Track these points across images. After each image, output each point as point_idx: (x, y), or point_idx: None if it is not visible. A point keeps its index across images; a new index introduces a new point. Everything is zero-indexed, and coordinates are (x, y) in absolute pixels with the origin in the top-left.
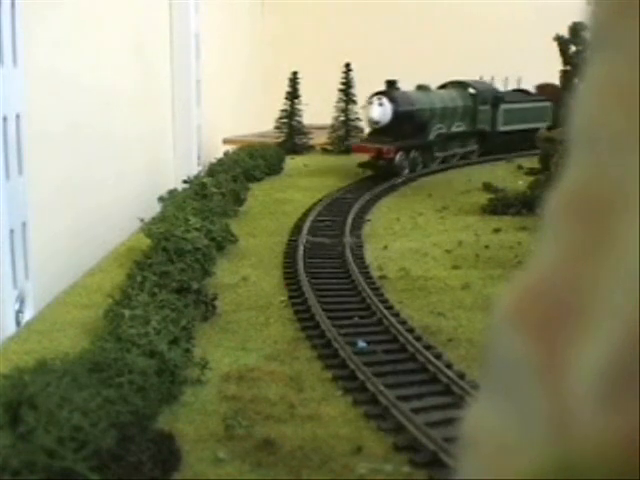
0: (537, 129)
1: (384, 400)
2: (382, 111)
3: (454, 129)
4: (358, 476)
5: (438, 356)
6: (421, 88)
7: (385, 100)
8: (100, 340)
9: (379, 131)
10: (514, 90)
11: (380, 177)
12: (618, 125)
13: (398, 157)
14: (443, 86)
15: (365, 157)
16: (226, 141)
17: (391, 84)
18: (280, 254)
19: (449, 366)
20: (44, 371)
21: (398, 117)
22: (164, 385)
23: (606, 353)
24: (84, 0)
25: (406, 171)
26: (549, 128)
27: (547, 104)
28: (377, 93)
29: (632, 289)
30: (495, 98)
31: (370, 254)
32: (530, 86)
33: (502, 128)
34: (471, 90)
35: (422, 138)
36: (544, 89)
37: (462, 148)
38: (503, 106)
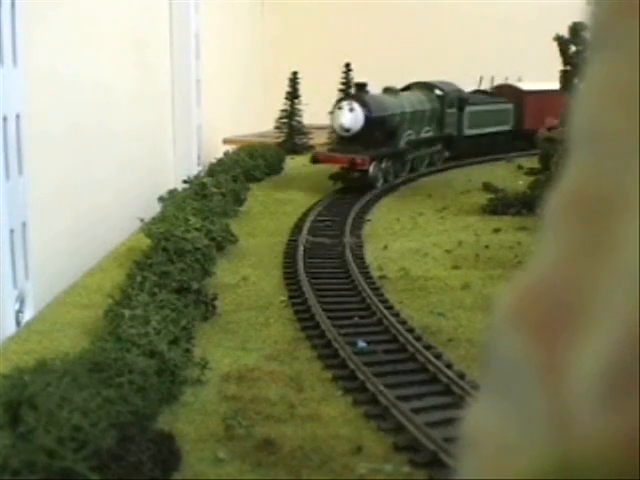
0: (501, 132)
1: (384, 400)
2: (353, 117)
3: (423, 135)
4: (358, 476)
5: (438, 356)
6: (388, 90)
7: (356, 105)
8: (100, 340)
9: (349, 139)
10: (475, 91)
11: (352, 190)
12: (618, 125)
13: (372, 167)
14: (407, 87)
15: (331, 167)
16: (226, 141)
17: (361, 87)
18: (280, 254)
19: (449, 366)
20: (44, 371)
21: (370, 124)
22: (164, 385)
23: (606, 353)
24: (84, 0)
25: (380, 182)
26: (508, 132)
27: (509, 106)
28: (346, 97)
29: (632, 289)
30: (460, 100)
31: (370, 254)
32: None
33: (468, 132)
34: (437, 92)
35: (393, 145)
36: (502, 90)
37: (429, 155)
38: (468, 108)
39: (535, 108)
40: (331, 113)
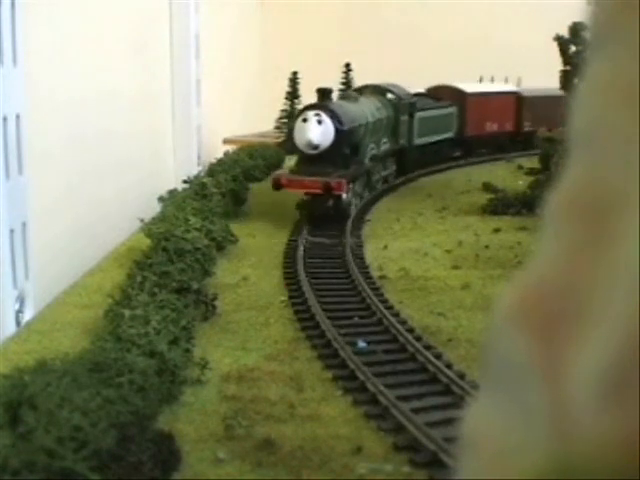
0: (445, 140)
1: (384, 400)
2: (323, 131)
3: (382, 148)
4: (358, 476)
5: (438, 356)
6: (347, 97)
7: (325, 116)
8: (100, 340)
9: (315, 157)
10: (416, 94)
11: (324, 220)
12: (621, 123)
13: (347, 191)
14: (357, 91)
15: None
16: (226, 141)
17: (325, 94)
18: (280, 254)
19: (449, 366)
20: (44, 371)
21: (340, 138)
22: (164, 385)
23: (607, 353)
24: (84, 0)
25: (353, 208)
26: (450, 140)
27: (453, 110)
28: (311, 107)
29: (632, 289)
30: (411, 106)
31: (370, 254)
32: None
33: (418, 141)
34: (390, 96)
35: (359, 163)
36: (441, 92)
37: (384, 171)
38: (418, 115)
39: (477, 112)
40: (290, 125)
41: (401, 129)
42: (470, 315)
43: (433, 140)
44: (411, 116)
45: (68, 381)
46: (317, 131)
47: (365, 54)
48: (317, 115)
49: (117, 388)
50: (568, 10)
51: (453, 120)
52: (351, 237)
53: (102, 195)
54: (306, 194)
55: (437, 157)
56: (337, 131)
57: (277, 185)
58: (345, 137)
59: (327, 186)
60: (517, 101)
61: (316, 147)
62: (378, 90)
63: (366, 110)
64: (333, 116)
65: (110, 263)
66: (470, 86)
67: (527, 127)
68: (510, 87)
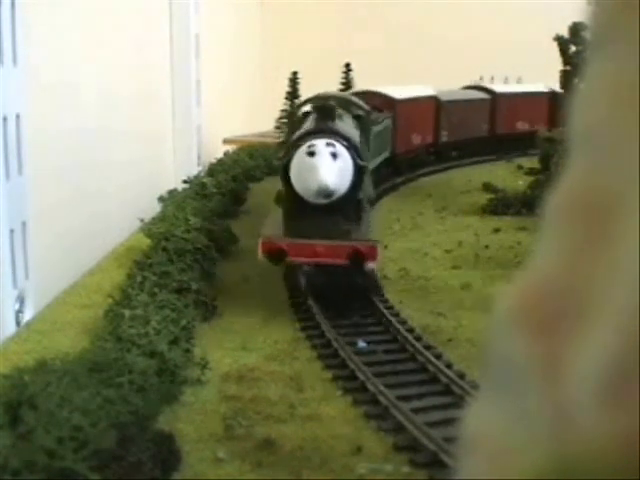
0: (384, 161)
1: (384, 400)
2: (340, 169)
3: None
4: (358, 476)
5: (438, 356)
6: (330, 111)
7: (340, 147)
8: (100, 340)
9: (321, 208)
10: None
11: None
12: (622, 123)
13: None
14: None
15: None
16: (226, 141)
17: (328, 112)
18: None
19: (449, 366)
20: (44, 371)
21: (359, 178)
22: (164, 385)
23: (606, 354)
24: (84, 0)
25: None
26: (387, 160)
27: (390, 122)
28: (318, 132)
29: (632, 289)
30: (372, 121)
31: None
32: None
33: (371, 164)
34: (357, 111)
35: (367, 211)
36: (364, 98)
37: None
38: (373, 130)
39: (405, 123)
40: (284, 161)
41: (365, 151)
42: (470, 315)
43: (380, 160)
44: (369, 132)
45: (68, 381)
46: (333, 170)
47: (365, 54)
48: (330, 145)
49: (117, 388)
50: (568, 10)
51: (389, 135)
52: None
53: (102, 195)
54: (317, 265)
55: (378, 181)
56: (356, 168)
57: (274, 253)
58: (362, 176)
59: (356, 254)
60: (436, 107)
61: (330, 194)
62: (342, 103)
63: (352, 132)
64: (350, 146)
65: (110, 263)
66: (397, 91)
67: (444, 137)
68: (429, 90)
